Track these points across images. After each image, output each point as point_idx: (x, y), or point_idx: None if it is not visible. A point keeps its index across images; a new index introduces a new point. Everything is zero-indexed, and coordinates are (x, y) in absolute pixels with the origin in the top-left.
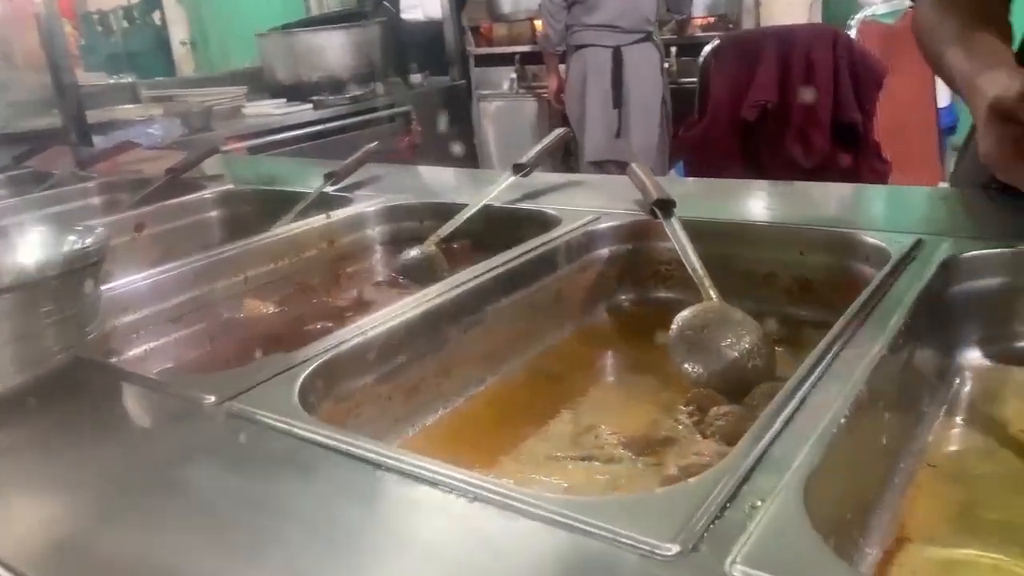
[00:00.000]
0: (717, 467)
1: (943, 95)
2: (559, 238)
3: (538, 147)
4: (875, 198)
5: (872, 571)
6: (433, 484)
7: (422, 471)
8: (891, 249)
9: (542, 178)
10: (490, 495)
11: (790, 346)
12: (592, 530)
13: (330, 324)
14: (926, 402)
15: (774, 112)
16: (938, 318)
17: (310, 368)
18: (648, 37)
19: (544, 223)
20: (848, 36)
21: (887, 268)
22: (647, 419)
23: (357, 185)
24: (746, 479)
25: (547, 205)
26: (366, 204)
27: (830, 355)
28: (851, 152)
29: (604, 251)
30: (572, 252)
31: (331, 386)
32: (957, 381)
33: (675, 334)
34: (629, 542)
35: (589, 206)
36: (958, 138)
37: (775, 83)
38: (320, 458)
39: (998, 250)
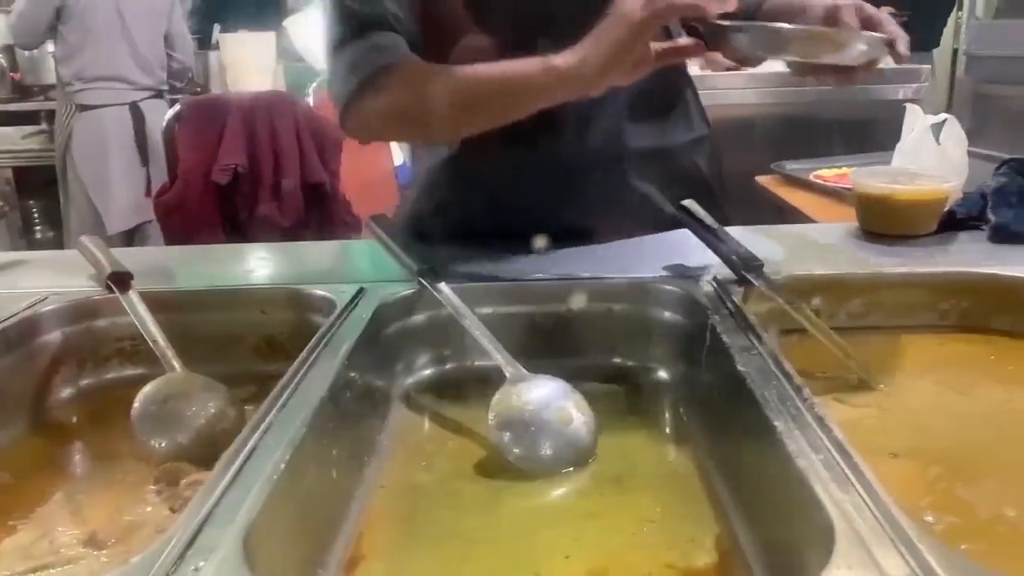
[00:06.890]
0: (163, 537)
1: (398, 155)
2: None
3: None
4: (329, 253)
5: None
6: None
7: None
8: (336, 299)
9: None
10: None
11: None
12: None
13: None
14: (376, 430)
15: (246, 175)
16: (375, 356)
17: None
18: (160, 94)
19: None
20: (307, 104)
21: (332, 317)
22: (112, 507)
23: None
24: (191, 543)
25: None
26: None
27: (278, 405)
28: (323, 209)
29: (55, 335)
30: (12, 341)
31: None
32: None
33: (138, 412)
34: None
35: (35, 287)
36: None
37: (243, 147)
38: None
39: (412, 291)
